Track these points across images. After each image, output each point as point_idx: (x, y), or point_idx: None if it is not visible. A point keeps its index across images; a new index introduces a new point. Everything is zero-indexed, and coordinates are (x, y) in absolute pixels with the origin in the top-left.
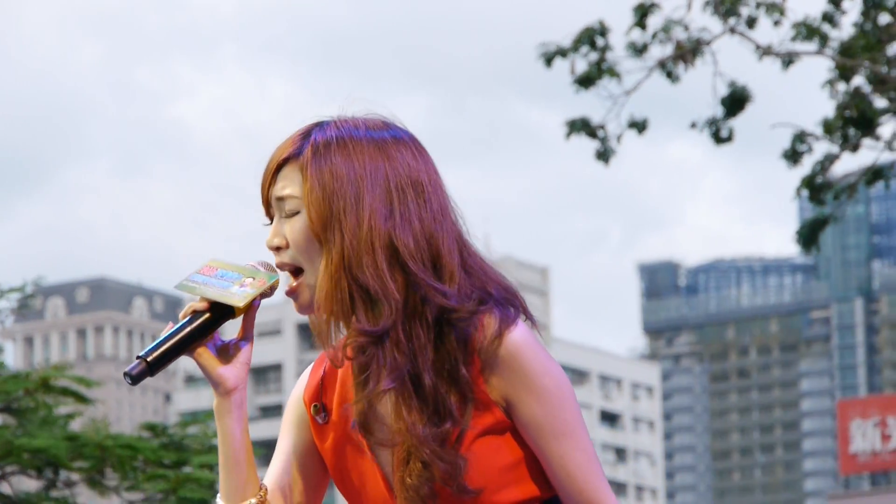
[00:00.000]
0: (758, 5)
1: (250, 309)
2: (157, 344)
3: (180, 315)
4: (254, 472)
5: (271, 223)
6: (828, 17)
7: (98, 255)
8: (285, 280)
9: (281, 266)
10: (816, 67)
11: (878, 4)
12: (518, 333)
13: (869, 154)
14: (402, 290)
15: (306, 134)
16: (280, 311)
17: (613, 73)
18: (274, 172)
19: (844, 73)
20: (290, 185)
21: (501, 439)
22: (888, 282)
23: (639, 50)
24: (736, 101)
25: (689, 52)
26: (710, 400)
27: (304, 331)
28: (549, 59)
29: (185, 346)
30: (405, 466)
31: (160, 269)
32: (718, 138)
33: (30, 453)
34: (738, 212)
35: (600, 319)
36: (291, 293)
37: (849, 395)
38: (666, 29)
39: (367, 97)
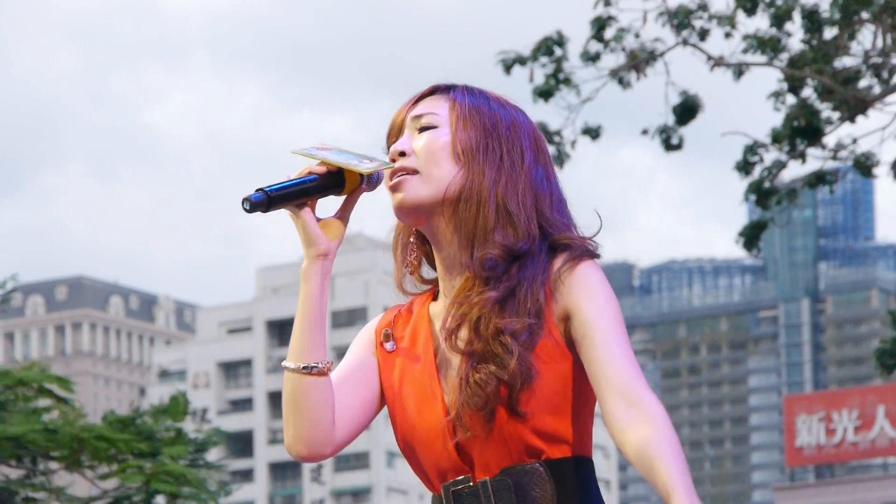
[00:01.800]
0: (710, 18)
1: (356, 190)
2: (280, 185)
3: (294, 174)
4: (324, 341)
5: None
6: (775, 40)
7: (73, 255)
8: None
9: (403, 168)
10: (767, 79)
11: (822, 20)
12: (586, 264)
13: (815, 162)
14: (535, 225)
15: (449, 83)
16: (250, 308)
17: (570, 84)
18: (416, 101)
19: (793, 84)
20: (433, 107)
21: (558, 368)
22: (833, 283)
23: (592, 58)
24: (687, 110)
25: (642, 62)
26: (662, 395)
27: (274, 327)
28: (508, 67)
29: (301, 195)
30: (476, 366)
31: (133, 269)
32: (669, 145)
33: (9, 442)
34: (688, 215)
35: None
36: (396, 187)
37: (795, 392)
38: (618, 38)
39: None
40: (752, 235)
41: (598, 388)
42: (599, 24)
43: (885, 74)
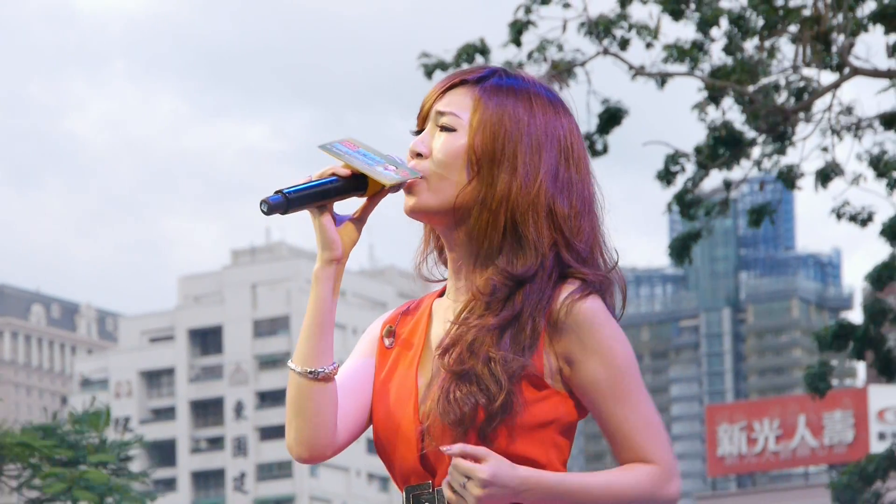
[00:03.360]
0: (630, 27)
1: (378, 194)
2: (299, 187)
3: (316, 175)
4: (332, 345)
5: (418, 134)
6: (698, 45)
7: None
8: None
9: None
10: (689, 89)
11: (746, 30)
12: (590, 302)
13: (738, 172)
14: (549, 247)
15: (488, 69)
16: (172, 317)
17: None
18: (445, 90)
19: (714, 94)
20: (455, 105)
21: (541, 402)
22: (754, 292)
23: (514, 67)
24: (611, 117)
25: (563, 71)
26: None
27: (196, 336)
28: (429, 72)
29: (321, 197)
30: (459, 384)
31: (54, 277)
32: (594, 151)
33: None
34: (607, 224)
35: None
36: (409, 189)
37: (716, 401)
38: (541, 49)
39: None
40: (682, 248)
41: (612, 446)
42: (517, 28)
43: (801, 85)
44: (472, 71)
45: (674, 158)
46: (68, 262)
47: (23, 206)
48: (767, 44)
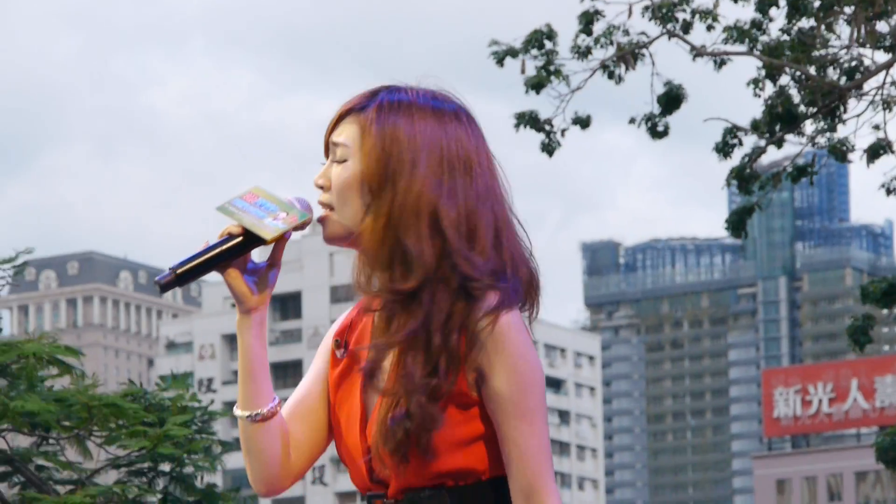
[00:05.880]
0: (693, 12)
1: (280, 240)
2: (189, 259)
3: (218, 235)
4: (268, 385)
5: (326, 163)
6: (756, 24)
7: (80, 231)
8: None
9: (320, 203)
10: (747, 68)
11: (803, 10)
12: (509, 317)
13: (794, 148)
14: (436, 257)
15: (375, 93)
16: None
17: (560, 74)
18: (337, 121)
19: (771, 72)
20: (345, 135)
21: (463, 414)
22: (809, 262)
23: (583, 53)
24: (672, 100)
25: (629, 53)
26: (646, 368)
27: (276, 301)
28: (500, 59)
29: (214, 263)
30: (388, 409)
31: (139, 245)
32: (655, 133)
33: (21, 416)
34: (666, 196)
35: (544, 294)
36: (321, 221)
37: (773, 365)
38: (608, 34)
39: (429, 75)
40: (738, 221)
41: (506, 469)
42: (587, 19)
43: (853, 65)
44: (359, 98)
45: (731, 132)
46: (152, 230)
47: (108, 177)
48: (823, 24)
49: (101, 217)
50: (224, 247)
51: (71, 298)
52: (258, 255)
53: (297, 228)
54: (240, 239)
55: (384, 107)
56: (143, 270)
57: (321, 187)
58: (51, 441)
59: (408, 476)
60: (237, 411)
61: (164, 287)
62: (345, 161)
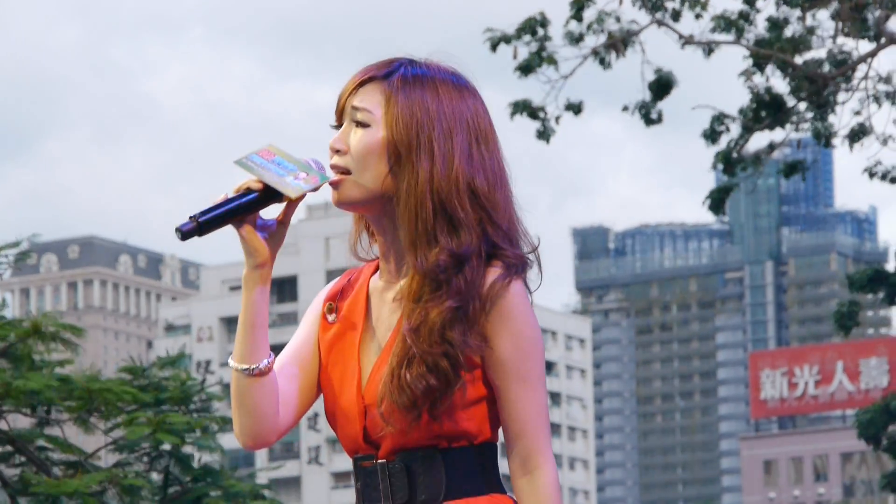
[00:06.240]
0: (682, 1)
1: (296, 198)
2: (211, 209)
3: (234, 189)
4: (266, 342)
5: (338, 129)
6: (744, 15)
7: (81, 216)
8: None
9: (334, 166)
10: (734, 57)
11: (789, 2)
12: (516, 285)
13: (779, 132)
14: (478, 223)
15: (395, 63)
16: None
17: (552, 60)
18: (357, 86)
19: (758, 61)
20: (368, 101)
21: (467, 376)
22: (795, 247)
23: (575, 39)
24: (662, 86)
25: (619, 41)
26: (636, 351)
27: (273, 285)
28: (494, 45)
29: (234, 215)
30: (405, 367)
31: (140, 228)
32: (649, 120)
33: (24, 395)
34: (655, 181)
35: (535, 277)
36: (335, 184)
37: (759, 348)
38: (600, 20)
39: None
40: (718, 199)
41: (503, 434)
42: (579, 6)
43: (839, 57)
44: (379, 66)
45: (719, 119)
46: (151, 215)
47: (108, 163)
48: (808, 15)
49: (101, 202)
50: (243, 200)
51: (72, 282)
52: (265, 212)
53: (314, 189)
54: (259, 194)
55: (409, 78)
56: (143, 254)
57: (338, 150)
58: (51, 422)
59: (407, 436)
60: (232, 362)
61: (186, 235)
62: (367, 126)
